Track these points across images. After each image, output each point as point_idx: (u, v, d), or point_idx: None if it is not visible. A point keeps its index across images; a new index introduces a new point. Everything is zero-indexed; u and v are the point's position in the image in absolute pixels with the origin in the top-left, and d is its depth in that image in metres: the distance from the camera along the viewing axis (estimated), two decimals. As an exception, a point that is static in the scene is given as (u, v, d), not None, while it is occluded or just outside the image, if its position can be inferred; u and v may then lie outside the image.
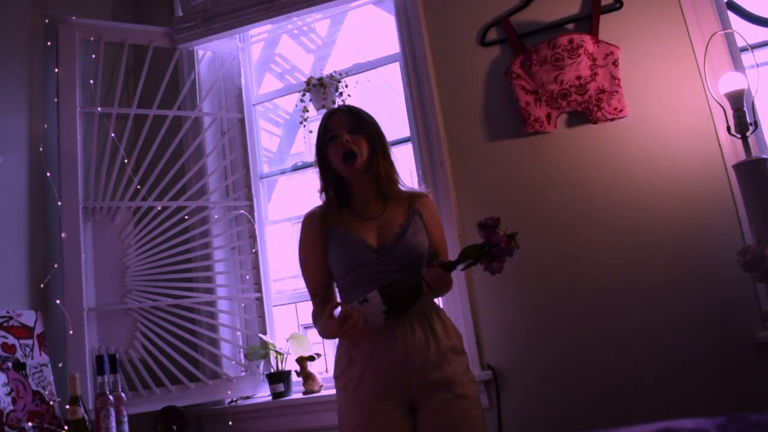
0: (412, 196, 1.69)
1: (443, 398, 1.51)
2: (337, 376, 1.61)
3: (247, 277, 2.62)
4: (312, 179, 1.75)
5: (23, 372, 2.03)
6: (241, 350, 2.55)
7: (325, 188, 1.70)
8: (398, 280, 1.49)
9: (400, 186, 1.70)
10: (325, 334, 1.57)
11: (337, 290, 1.71)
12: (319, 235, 1.64)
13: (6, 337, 2.04)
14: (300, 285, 2.39)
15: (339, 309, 1.45)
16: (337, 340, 1.64)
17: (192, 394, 2.43)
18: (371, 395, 1.52)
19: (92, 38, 2.59)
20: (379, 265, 1.56)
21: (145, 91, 2.62)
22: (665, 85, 2.14)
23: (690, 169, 2.07)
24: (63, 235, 2.33)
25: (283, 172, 2.91)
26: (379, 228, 1.61)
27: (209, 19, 2.66)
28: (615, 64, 2.14)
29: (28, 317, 2.15)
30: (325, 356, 2.66)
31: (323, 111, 2.46)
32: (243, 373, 2.53)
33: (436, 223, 1.70)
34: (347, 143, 1.61)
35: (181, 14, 2.80)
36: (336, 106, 2.41)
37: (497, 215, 1.48)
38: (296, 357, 2.44)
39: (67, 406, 1.89)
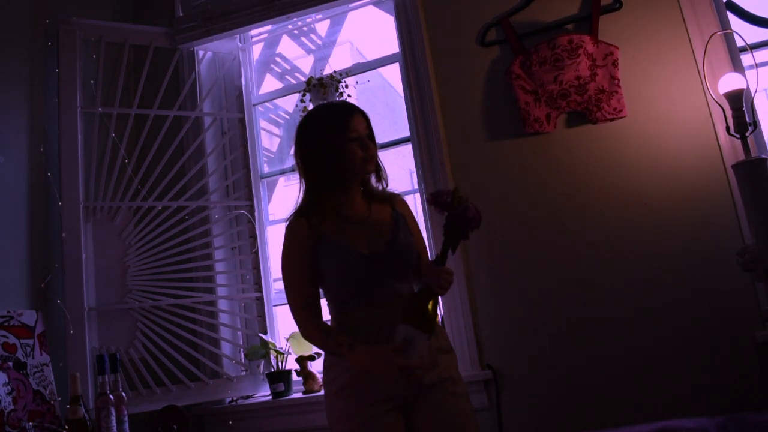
0: (390, 196, 1.68)
1: (437, 397, 1.52)
2: (329, 381, 1.58)
3: (248, 276, 2.63)
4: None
5: (24, 371, 2.04)
6: (242, 350, 2.55)
7: (319, 187, 1.61)
8: (413, 302, 1.48)
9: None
10: (360, 361, 1.49)
11: (326, 301, 1.65)
12: (309, 245, 1.58)
13: (7, 337, 2.05)
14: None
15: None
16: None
17: (192, 393, 2.44)
18: (365, 401, 1.50)
19: (93, 39, 2.59)
20: (374, 273, 1.55)
21: (146, 91, 2.62)
22: (664, 86, 2.14)
23: (689, 169, 2.07)
24: (63, 234, 2.33)
25: (283, 172, 2.91)
26: (368, 233, 1.59)
27: (209, 20, 2.66)
28: (614, 64, 2.14)
29: (29, 317, 2.15)
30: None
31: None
32: (243, 373, 2.54)
33: (416, 225, 1.71)
34: (376, 156, 1.61)
35: (181, 14, 2.81)
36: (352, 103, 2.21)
37: (448, 188, 1.52)
38: (296, 356, 2.44)
39: (68, 406, 1.89)
